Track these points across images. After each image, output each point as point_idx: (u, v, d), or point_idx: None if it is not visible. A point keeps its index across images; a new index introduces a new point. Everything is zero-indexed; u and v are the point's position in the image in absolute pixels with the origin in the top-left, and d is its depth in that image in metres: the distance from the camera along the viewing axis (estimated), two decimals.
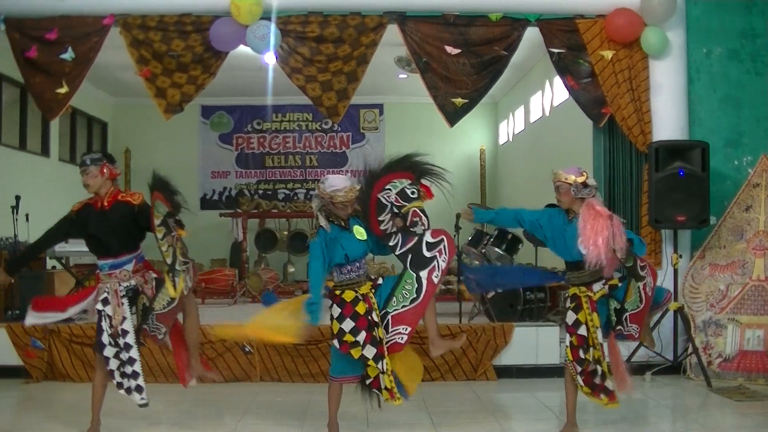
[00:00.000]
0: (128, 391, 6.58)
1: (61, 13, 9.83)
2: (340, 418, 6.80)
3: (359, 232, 6.53)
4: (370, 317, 6.42)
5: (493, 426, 7.34)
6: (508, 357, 9.54)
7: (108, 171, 6.77)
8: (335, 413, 6.74)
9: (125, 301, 6.66)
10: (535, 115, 17.07)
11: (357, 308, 6.41)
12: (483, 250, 11.92)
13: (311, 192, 20.11)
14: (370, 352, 6.33)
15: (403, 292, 6.41)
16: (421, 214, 6.41)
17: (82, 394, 8.44)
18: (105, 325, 6.61)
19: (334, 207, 6.46)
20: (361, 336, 6.32)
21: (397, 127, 20.74)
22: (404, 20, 9.86)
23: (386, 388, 6.40)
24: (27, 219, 11.75)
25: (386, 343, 6.43)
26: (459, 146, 20.31)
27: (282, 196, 20.49)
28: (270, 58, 10.25)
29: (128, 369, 6.54)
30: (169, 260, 6.48)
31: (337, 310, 6.47)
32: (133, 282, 6.71)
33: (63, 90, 9.82)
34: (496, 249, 11.85)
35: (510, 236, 11.88)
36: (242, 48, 9.86)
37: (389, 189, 6.41)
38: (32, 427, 7.29)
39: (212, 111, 20.84)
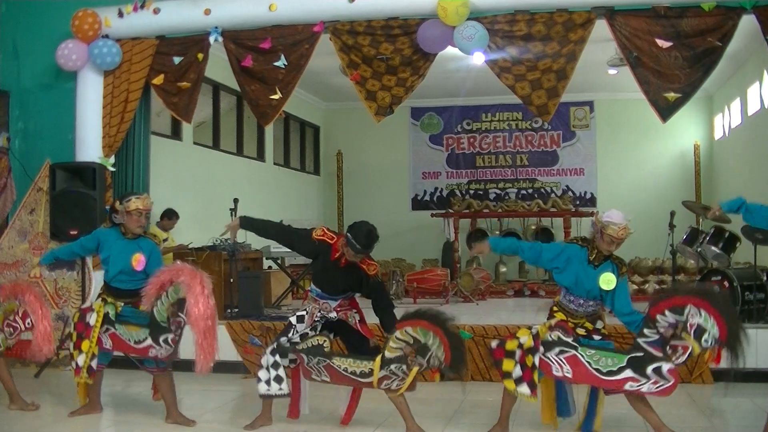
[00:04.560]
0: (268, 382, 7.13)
1: (274, 23, 10.20)
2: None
3: (605, 280, 6.36)
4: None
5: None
6: (726, 360, 9.17)
7: None
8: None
9: (317, 326, 7.14)
10: (753, 107, 16.37)
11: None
12: (699, 249, 11.45)
13: (522, 191, 20.09)
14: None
15: (607, 360, 6.30)
16: (686, 355, 6.14)
17: None
18: (291, 333, 7.09)
19: (603, 239, 6.39)
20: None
21: (609, 124, 20.38)
22: (613, 15, 9.63)
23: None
24: None
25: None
26: (672, 142, 19.79)
27: (493, 195, 20.49)
28: (478, 58, 10.26)
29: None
30: (387, 355, 6.64)
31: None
32: (332, 315, 7.11)
33: (276, 96, 10.19)
34: (713, 248, 11.25)
35: (727, 234, 11.24)
36: (450, 49, 9.92)
37: (698, 314, 5.96)
38: (250, 420, 7.50)
39: (422, 112, 21.10)
